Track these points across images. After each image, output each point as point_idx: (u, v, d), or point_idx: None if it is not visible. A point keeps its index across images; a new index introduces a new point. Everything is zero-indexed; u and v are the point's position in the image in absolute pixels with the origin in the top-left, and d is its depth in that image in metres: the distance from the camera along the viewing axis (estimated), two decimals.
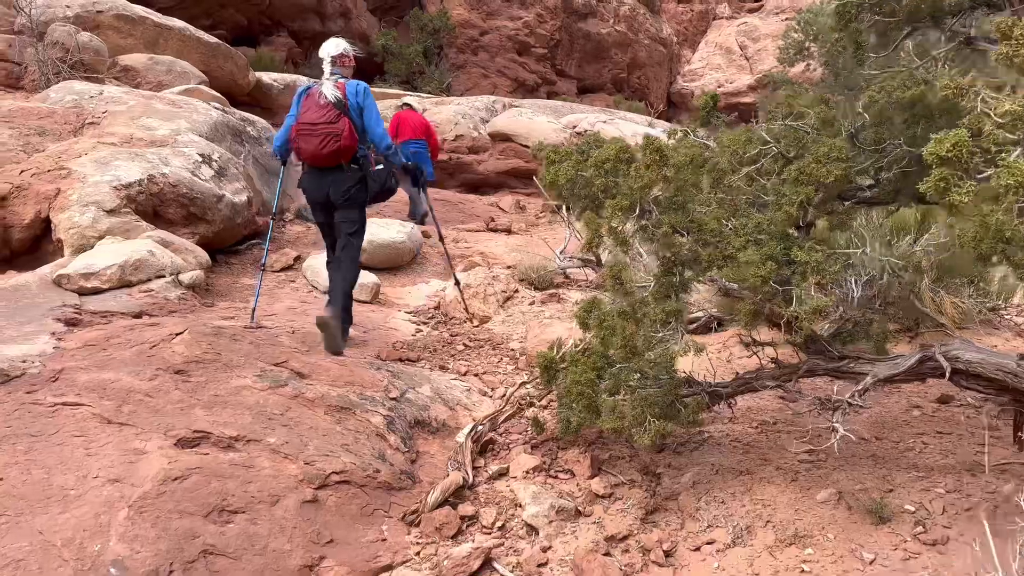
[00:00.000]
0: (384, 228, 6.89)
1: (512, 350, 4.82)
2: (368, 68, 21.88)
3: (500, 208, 12.44)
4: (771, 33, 32.82)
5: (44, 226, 4.96)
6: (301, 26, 19.92)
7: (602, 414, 2.95)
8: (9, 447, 2.49)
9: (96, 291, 4.35)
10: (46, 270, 4.43)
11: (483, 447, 3.45)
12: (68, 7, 9.61)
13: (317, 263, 6.09)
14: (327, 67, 4.69)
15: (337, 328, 4.19)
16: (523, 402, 3.70)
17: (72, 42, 8.24)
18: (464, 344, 4.87)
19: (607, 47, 27.83)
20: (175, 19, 11.41)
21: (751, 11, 36.25)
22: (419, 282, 6.70)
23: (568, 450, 3.42)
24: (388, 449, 3.23)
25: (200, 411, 3.01)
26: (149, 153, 5.82)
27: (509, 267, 7.43)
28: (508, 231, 9.49)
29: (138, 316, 4.17)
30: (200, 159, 6.15)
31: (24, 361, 3.03)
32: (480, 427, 3.45)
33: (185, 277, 4.90)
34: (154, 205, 5.46)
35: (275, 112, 12.85)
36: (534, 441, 3.50)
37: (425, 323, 5.44)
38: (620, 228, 2.95)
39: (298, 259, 6.54)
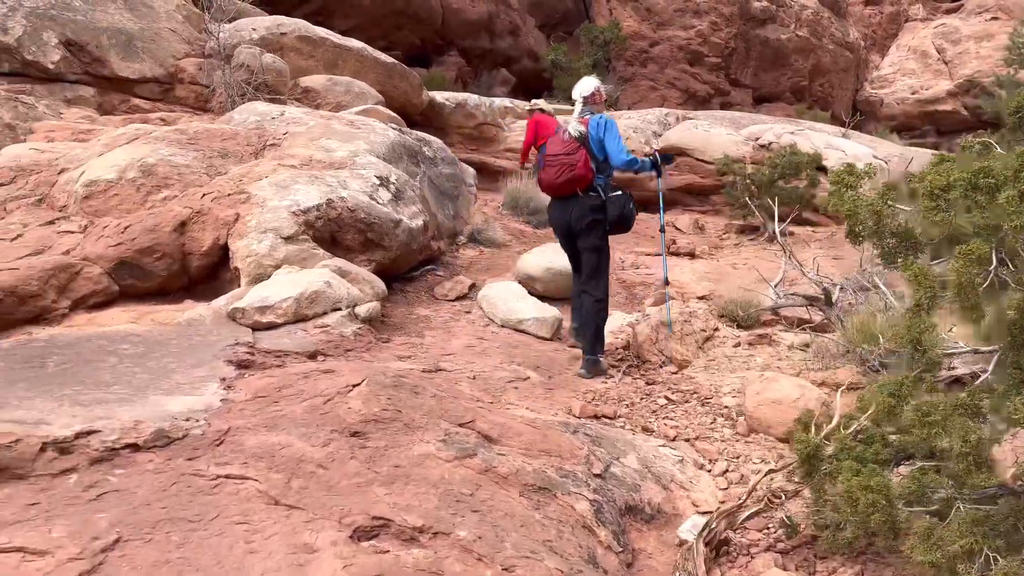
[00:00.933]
0: (560, 253, 6.32)
1: (726, 407, 4.05)
2: (536, 84, 21.69)
3: (677, 228, 11.58)
4: (974, 34, 29.55)
5: (223, 253, 4.79)
6: (471, 44, 20.02)
7: (902, 533, 2.15)
8: (162, 536, 2.09)
9: (271, 326, 4.06)
10: (221, 302, 4.20)
11: (716, 548, 2.73)
12: (254, 30, 9.89)
13: (493, 293, 5.61)
14: (578, 106, 4.94)
15: (593, 369, 4.52)
16: (769, 496, 2.94)
17: (256, 64, 8.38)
18: (666, 397, 4.16)
19: (787, 54, 26.08)
20: (353, 40, 11.56)
21: (949, 12, 32.85)
22: None
23: (828, 559, 2.63)
24: (599, 548, 2.59)
25: (379, 489, 2.51)
26: (328, 175, 5.59)
27: (701, 298, 6.64)
28: (691, 255, 8.65)
29: (313, 356, 3.82)
30: (378, 182, 5.86)
31: (188, 419, 2.67)
32: (713, 525, 2.73)
33: (361, 310, 4.54)
34: (332, 231, 5.18)
35: (447, 132, 12.75)
36: (782, 545, 2.73)
37: (615, 366, 4.77)
38: (971, 282, 2.13)
39: (473, 287, 6.10)
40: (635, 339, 4.97)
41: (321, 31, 10.99)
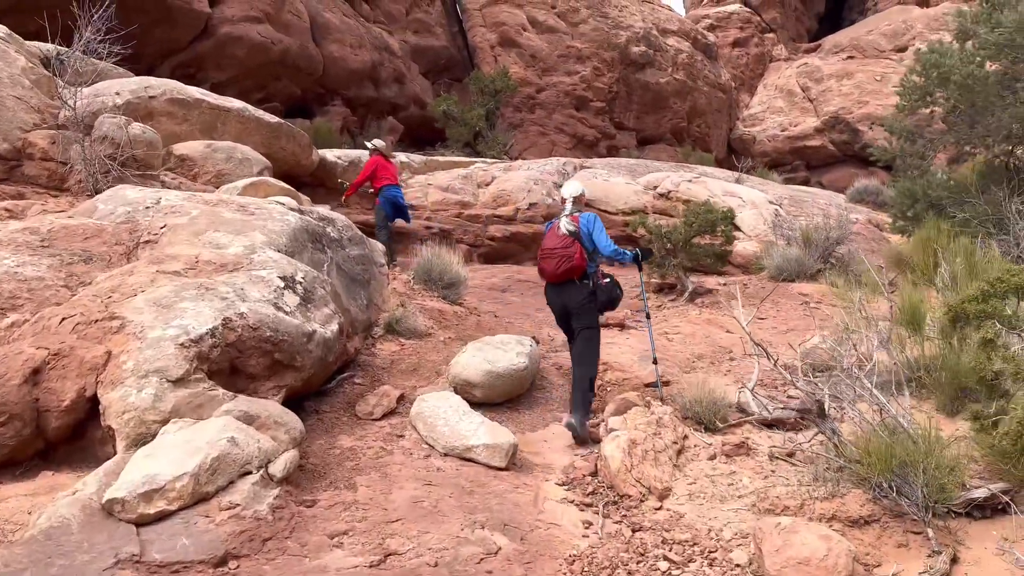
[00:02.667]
0: (502, 350, 5.57)
1: (738, 566, 3.39)
2: (426, 132, 21.05)
3: None
4: (834, 73, 31.41)
5: (91, 406, 3.73)
6: (356, 93, 19.14)
7: None
8: None
9: (162, 515, 3.07)
10: (90, 491, 3.14)
11: None
12: (118, 95, 8.69)
13: (429, 408, 4.77)
14: (569, 205, 5.77)
15: (584, 428, 4.92)
16: None
17: (122, 136, 7.22)
18: (665, 557, 3.45)
19: (666, 96, 26.73)
20: (232, 100, 10.48)
21: (808, 51, 34.92)
22: (551, 421, 5.34)
23: None
24: None
25: None
26: (221, 283, 4.61)
27: (648, 385, 6.05)
28: (621, 326, 8.10)
29: (222, 562, 2.87)
30: (282, 284, 4.92)
31: None
32: None
33: (277, 467, 3.60)
34: (231, 358, 4.21)
35: (340, 193, 11.81)
36: None
37: (588, 504, 4.04)
38: None
39: (402, 399, 5.24)
40: (606, 466, 4.27)
41: (195, 91, 9.87)
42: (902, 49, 32.08)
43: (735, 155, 30.40)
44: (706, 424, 4.96)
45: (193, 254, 5.04)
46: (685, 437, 4.72)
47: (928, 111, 11.14)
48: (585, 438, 4.86)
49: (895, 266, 10.74)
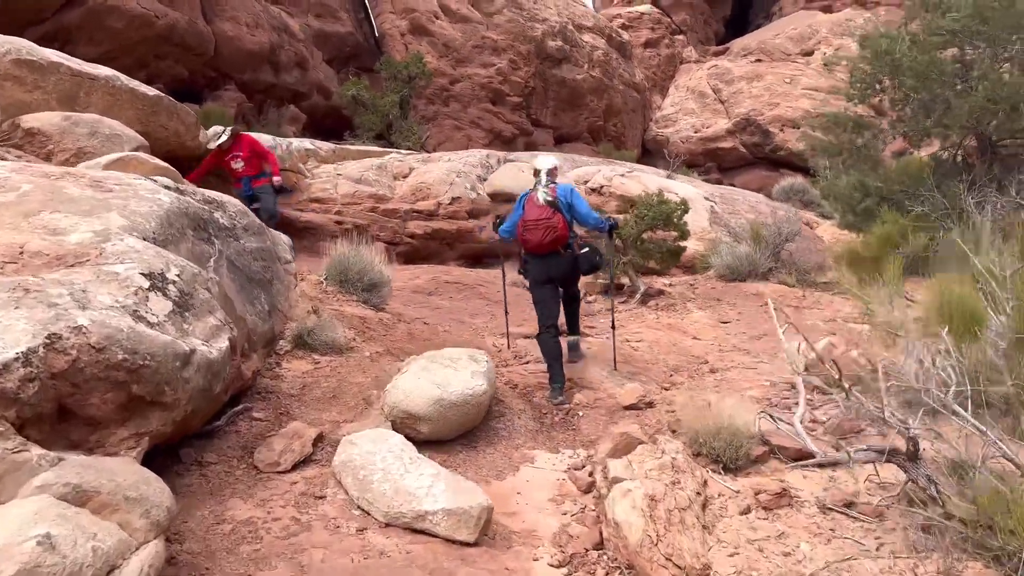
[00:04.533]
0: (452, 369, 4.26)
1: None
2: (331, 121, 19.36)
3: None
4: (744, 75, 31.50)
5: None
6: (252, 78, 17.28)
7: None
8: None
9: None
10: None
11: None
12: None
13: (360, 456, 3.43)
14: (544, 177, 5.69)
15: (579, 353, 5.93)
16: None
17: None
18: None
19: (583, 94, 25.94)
20: (100, 67, 8.72)
21: (717, 54, 35.04)
22: (520, 462, 4.07)
23: None
24: None
25: None
26: (53, 285, 3.13)
27: (630, 407, 4.89)
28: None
29: None
30: (146, 284, 3.47)
31: None
32: None
33: (130, 573, 2.21)
34: (59, 396, 2.76)
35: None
36: None
37: None
38: None
39: (320, 441, 3.86)
40: (619, 535, 3.05)
41: (51, 54, 8.07)
42: (808, 53, 32.58)
43: (650, 156, 30.03)
44: (724, 463, 3.82)
45: (17, 242, 3.52)
46: (704, 483, 3.57)
47: (877, 100, 10.56)
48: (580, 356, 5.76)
49: (851, 265, 10.07)
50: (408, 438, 3.84)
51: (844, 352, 6.15)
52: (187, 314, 3.62)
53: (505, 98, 23.49)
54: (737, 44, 34.61)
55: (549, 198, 5.43)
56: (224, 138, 9.20)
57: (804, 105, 29.57)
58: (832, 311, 8.42)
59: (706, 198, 13.66)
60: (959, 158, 10.30)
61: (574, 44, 25.64)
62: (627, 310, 8.29)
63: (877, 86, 10.34)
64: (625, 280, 9.04)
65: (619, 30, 30.52)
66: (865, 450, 3.09)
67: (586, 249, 5.69)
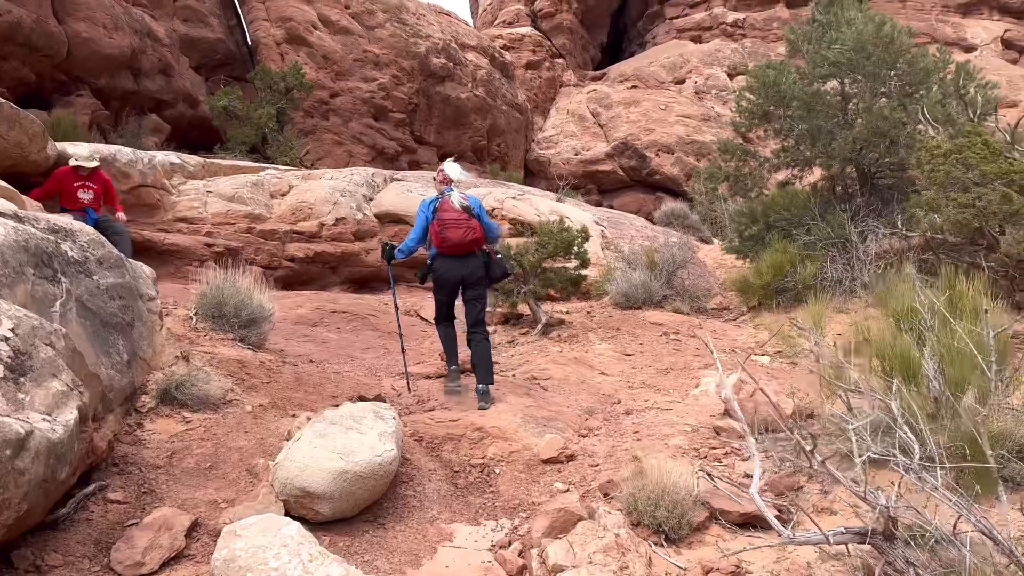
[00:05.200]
0: (356, 431, 3.66)
1: None
2: (198, 133, 18.02)
3: (421, 317, 9.35)
4: (622, 100, 32.30)
5: None
6: (110, 84, 15.79)
7: None
8: None
9: None
10: None
11: None
12: None
13: (247, 552, 2.79)
14: (453, 186, 5.88)
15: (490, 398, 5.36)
16: None
17: None
18: None
19: (467, 112, 25.65)
20: None
21: (595, 79, 35.82)
22: (437, 541, 3.51)
23: None
24: None
25: None
26: None
27: (549, 460, 4.46)
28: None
29: None
30: None
31: None
32: None
33: None
34: None
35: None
36: None
37: None
38: None
39: (194, 530, 3.17)
40: None
41: None
42: (680, 81, 33.90)
43: (532, 176, 30.15)
44: (667, 533, 3.44)
45: None
46: (650, 560, 3.17)
47: (764, 130, 10.77)
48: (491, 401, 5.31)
49: (741, 292, 10.17)
50: (304, 520, 3.23)
51: (754, 391, 6.01)
52: (23, 380, 2.86)
53: (388, 114, 22.82)
54: (614, 70, 35.52)
55: (465, 203, 5.60)
56: (92, 165, 8.12)
57: (678, 131, 30.65)
58: (729, 341, 8.37)
59: (596, 223, 13.58)
60: (839, 188, 10.65)
61: (458, 62, 25.34)
62: (530, 342, 7.89)
63: (764, 116, 10.54)
64: (525, 309, 8.66)
65: (502, 51, 30.55)
66: (843, 533, 2.77)
67: (500, 255, 5.86)
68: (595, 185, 31.29)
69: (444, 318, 5.81)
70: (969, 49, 30.87)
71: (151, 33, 16.66)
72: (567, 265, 8.59)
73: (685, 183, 29.75)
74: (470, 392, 5.50)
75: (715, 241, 17.30)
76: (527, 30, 35.02)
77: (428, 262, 5.73)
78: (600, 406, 5.72)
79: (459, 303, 5.88)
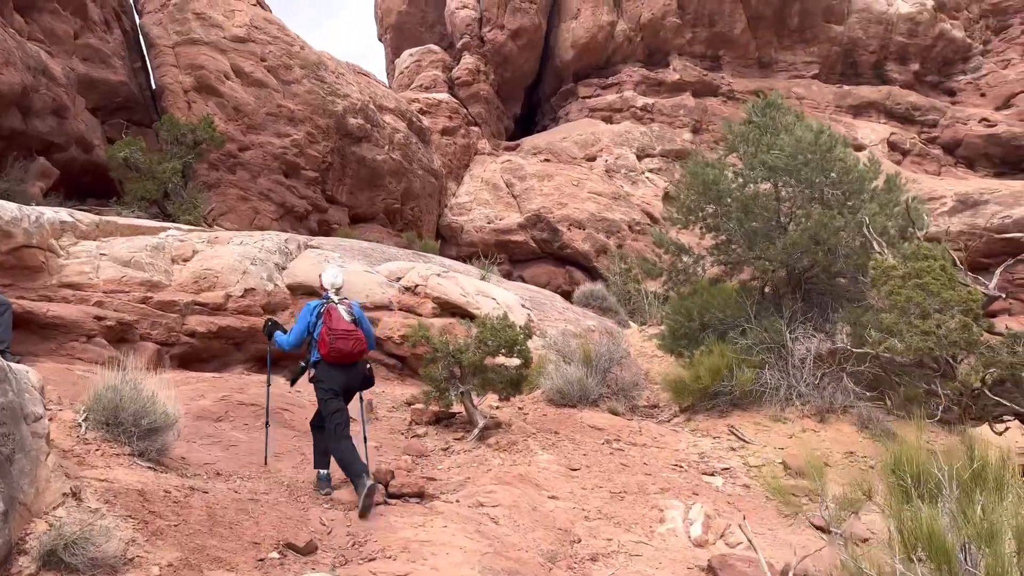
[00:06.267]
0: None
1: None
2: (91, 181, 16.57)
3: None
4: (536, 173, 32.57)
5: None
6: None
7: None
8: None
9: None
10: None
11: None
12: None
13: None
14: (332, 294, 6.03)
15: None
16: None
17: None
18: None
19: (382, 174, 25.06)
20: None
21: (508, 149, 36.11)
22: None
23: None
24: None
25: None
26: None
27: None
28: (420, 495, 5.68)
29: None
30: None
31: None
32: None
33: None
34: None
35: None
36: None
37: None
38: None
39: None
40: None
41: None
42: (592, 159, 34.61)
43: (444, 242, 29.70)
44: None
45: None
46: None
47: (699, 228, 10.70)
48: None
49: (675, 393, 9.85)
50: None
51: (725, 530, 5.56)
52: None
53: (300, 171, 21.93)
54: (528, 142, 35.95)
55: (352, 315, 5.83)
56: None
57: (590, 208, 31.09)
58: (672, 453, 7.96)
59: (523, 305, 13.14)
60: (768, 290, 10.64)
61: (375, 124, 24.83)
62: (467, 451, 7.20)
63: (700, 212, 10.47)
64: (459, 409, 7.99)
65: (419, 115, 30.31)
66: None
67: (369, 366, 6.06)
68: (507, 255, 31.09)
69: (344, 434, 5.69)
70: (859, 148, 33.00)
71: (46, 71, 15.32)
72: (507, 363, 8.03)
73: (595, 259, 30.08)
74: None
75: (632, 325, 17.20)
76: (444, 96, 35.04)
77: (303, 364, 5.94)
78: (561, 547, 5.09)
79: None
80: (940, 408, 6.50)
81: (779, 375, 9.23)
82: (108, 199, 14.15)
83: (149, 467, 5.05)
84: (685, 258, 10.94)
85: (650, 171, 33.93)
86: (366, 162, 24.21)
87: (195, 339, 10.09)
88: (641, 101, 35.81)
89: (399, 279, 12.53)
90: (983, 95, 36.25)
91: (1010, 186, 30.69)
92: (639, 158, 34.61)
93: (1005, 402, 6.06)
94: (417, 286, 12.27)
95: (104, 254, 9.99)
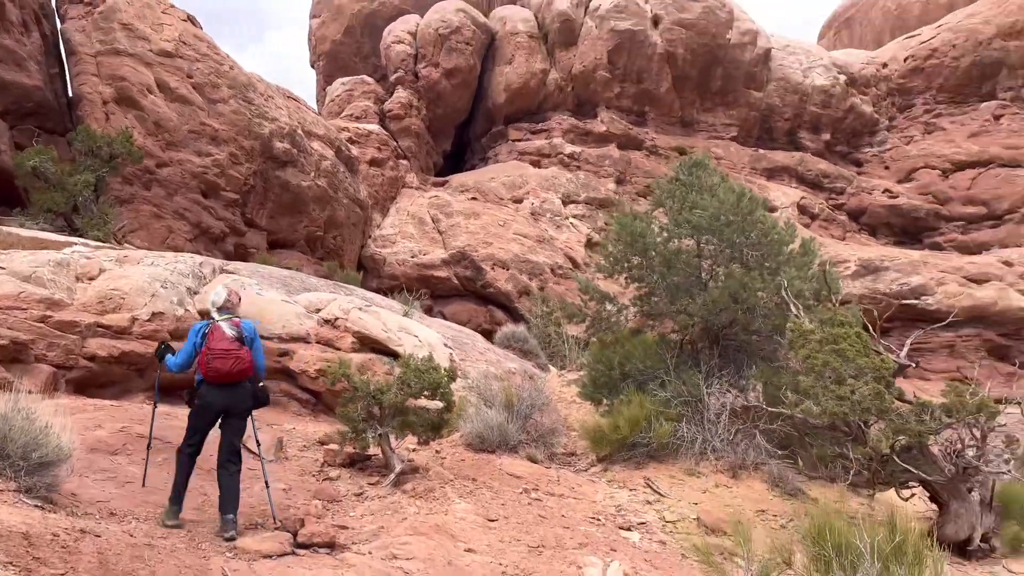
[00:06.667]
0: None
1: None
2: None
3: (252, 452, 8.08)
4: (463, 211, 32.62)
5: None
6: None
7: None
8: None
9: None
10: None
11: None
12: None
13: None
14: (215, 313, 5.84)
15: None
16: None
17: None
18: None
19: (306, 201, 24.59)
20: None
21: (436, 184, 36.11)
22: None
23: None
24: None
25: None
26: None
27: None
28: (331, 545, 5.42)
29: None
30: None
31: None
32: None
33: None
34: None
35: None
36: None
37: None
38: None
39: None
40: None
41: None
42: (519, 200, 34.94)
43: (366, 274, 29.27)
44: None
45: None
46: None
47: (624, 278, 10.86)
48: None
49: (593, 442, 9.84)
50: None
51: None
52: None
53: (220, 192, 21.26)
54: (456, 179, 36.05)
55: (235, 333, 5.63)
56: None
57: (514, 248, 31.28)
58: (589, 504, 7.92)
59: (445, 344, 12.96)
60: (687, 344, 10.85)
61: (302, 150, 24.41)
62: (381, 497, 6.95)
63: (626, 263, 10.64)
64: (376, 451, 7.74)
65: (348, 144, 30.00)
66: None
67: (262, 384, 5.93)
68: (428, 290, 30.79)
69: (191, 448, 5.70)
70: (772, 210, 34.60)
71: None
72: (429, 405, 7.85)
73: (517, 299, 30.16)
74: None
75: (552, 369, 17.23)
76: (375, 127, 34.87)
77: (196, 385, 5.79)
78: None
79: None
80: (851, 472, 6.69)
81: (695, 429, 9.37)
82: (12, 208, 13.28)
83: (37, 505, 4.65)
84: (609, 306, 11.07)
85: (574, 216, 34.50)
86: (290, 187, 23.71)
87: (95, 363, 9.48)
88: (569, 149, 36.53)
89: (319, 311, 12.17)
90: (887, 167, 38.72)
91: (908, 255, 32.66)
92: (564, 203, 35.14)
93: (912, 468, 6.29)
94: (337, 319, 11.94)
95: (3, 267, 9.33)
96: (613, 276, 10.84)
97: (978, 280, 30.75)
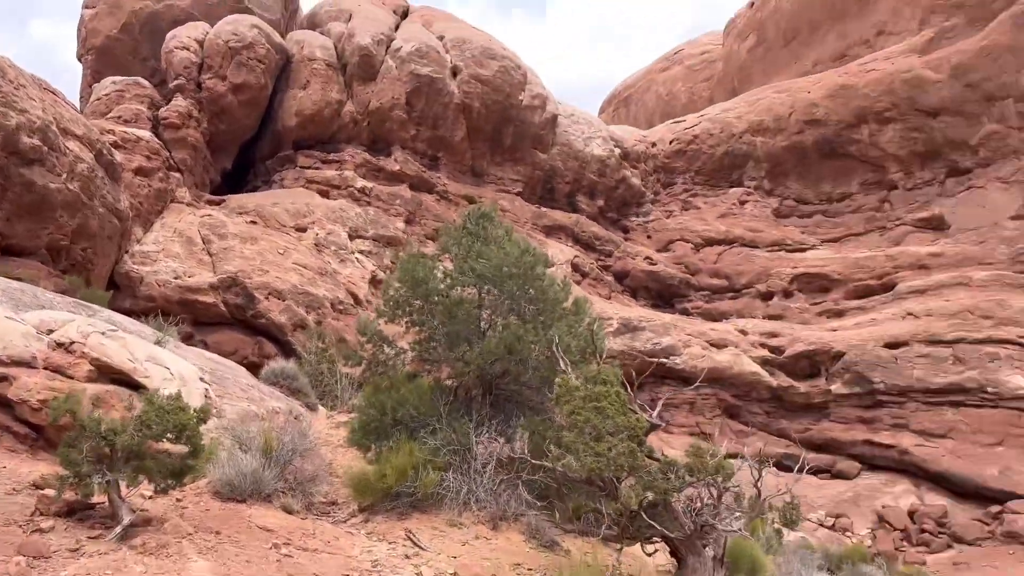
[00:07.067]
0: None
1: None
2: None
3: None
4: (240, 234, 30.71)
5: None
6: None
7: None
8: None
9: None
10: None
11: None
12: None
13: None
14: None
15: None
16: None
17: None
18: None
19: (53, 205, 21.80)
20: None
21: (211, 203, 33.76)
22: None
23: None
24: None
25: None
26: None
27: None
28: None
29: None
30: None
31: None
32: None
33: None
34: None
35: None
36: None
37: None
38: None
39: None
40: None
41: None
42: (302, 229, 33.62)
43: (119, 292, 26.45)
44: None
45: None
46: None
47: (405, 321, 10.66)
48: None
49: (357, 491, 9.39)
50: None
51: None
52: None
53: None
54: (235, 200, 33.96)
55: None
56: None
57: (293, 279, 29.89)
58: (345, 559, 7.50)
59: (202, 379, 11.88)
60: (461, 391, 10.85)
61: (55, 148, 21.68)
62: (101, 555, 6.03)
63: (408, 307, 10.47)
64: (102, 499, 6.75)
65: (112, 148, 27.18)
66: None
67: None
68: (191, 316, 28.42)
69: None
70: (549, 266, 36.47)
71: None
72: (172, 449, 7.02)
73: (291, 333, 28.71)
74: None
75: (322, 409, 16.46)
76: (146, 134, 32.00)
77: None
78: None
79: None
80: (604, 526, 6.94)
81: (461, 478, 9.30)
82: None
83: None
84: (387, 349, 10.80)
85: (360, 252, 33.87)
86: (35, 188, 20.89)
87: None
88: (361, 183, 36.00)
89: (51, 331, 10.63)
90: (649, 237, 42.53)
91: (662, 317, 35.85)
92: (351, 238, 34.38)
93: (656, 524, 6.65)
94: (73, 343, 10.48)
95: None
96: (394, 320, 10.60)
97: (718, 345, 34.38)
